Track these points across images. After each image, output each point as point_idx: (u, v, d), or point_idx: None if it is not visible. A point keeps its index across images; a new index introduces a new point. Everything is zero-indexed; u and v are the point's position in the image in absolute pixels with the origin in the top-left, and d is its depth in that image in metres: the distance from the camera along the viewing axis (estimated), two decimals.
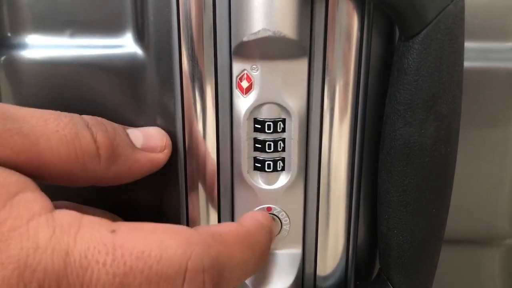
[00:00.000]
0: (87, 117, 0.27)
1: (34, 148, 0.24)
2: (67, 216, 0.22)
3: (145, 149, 0.29)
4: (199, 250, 0.23)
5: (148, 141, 0.29)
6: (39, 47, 0.30)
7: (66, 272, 0.21)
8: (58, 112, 0.26)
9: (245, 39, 0.27)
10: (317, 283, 0.33)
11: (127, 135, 0.29)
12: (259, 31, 0.27)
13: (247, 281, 0.32)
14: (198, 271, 0.23)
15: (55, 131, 0.25)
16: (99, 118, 0.28)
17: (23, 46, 0.30)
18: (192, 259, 0.22)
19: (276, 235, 0.32)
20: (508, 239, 0.37)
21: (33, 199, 0.22)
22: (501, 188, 0.34)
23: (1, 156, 0.23)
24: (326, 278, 0.33)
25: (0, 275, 0.20)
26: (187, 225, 0.32)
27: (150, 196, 0.32)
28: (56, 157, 0.24)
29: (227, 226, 0.27)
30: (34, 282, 0.20)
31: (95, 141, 0.26)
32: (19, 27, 0.30)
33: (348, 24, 0.28)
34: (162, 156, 0.30)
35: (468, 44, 0.31)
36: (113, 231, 0.22)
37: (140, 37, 0.30)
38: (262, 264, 0.28)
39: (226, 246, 0.25)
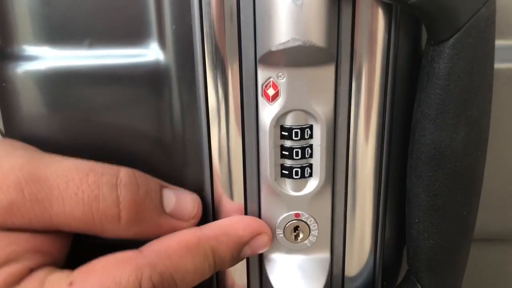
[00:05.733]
0: (123, 174, 0.27)
1: (46, 213, 0.26)
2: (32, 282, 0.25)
3: (173, 215, 0.29)
4: (147, 271, 0.26)
5: (179, 206, 0.29)
6: (55, 58, 0.29)
7: None
8: (90, 167, 0.27)
9: (273, 48, 0.27)
10: (345, 284, 0.33)
11: (160, 197, 0.29)
12: (288, 40, 0.26)
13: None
14: None
15: (73, 193, 0.26)
16: (138, 175, 0.28)
17: (36, 58, 0.30)
18: (143, 281, 0.26)
19: (303, 241, 0.32)
20: None
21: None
22: None
23: (13, 223, 0.26)
24: (353, 279, 0.33)
25: None
26: None
27: None
28: (69, 219, 0.26)
29: (178, 235, 0.29)
30: None
31: (118, 203, 0.27)
32: (33, 39, 0.29)
33: (375, 28, 0.28)
34: (185, 226, 0.30)
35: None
36: (70, 283, 0.25)
37: (162, 45, 0.29)
38: (225, 264, 0.29)
39: (172, 260, 0.27)
